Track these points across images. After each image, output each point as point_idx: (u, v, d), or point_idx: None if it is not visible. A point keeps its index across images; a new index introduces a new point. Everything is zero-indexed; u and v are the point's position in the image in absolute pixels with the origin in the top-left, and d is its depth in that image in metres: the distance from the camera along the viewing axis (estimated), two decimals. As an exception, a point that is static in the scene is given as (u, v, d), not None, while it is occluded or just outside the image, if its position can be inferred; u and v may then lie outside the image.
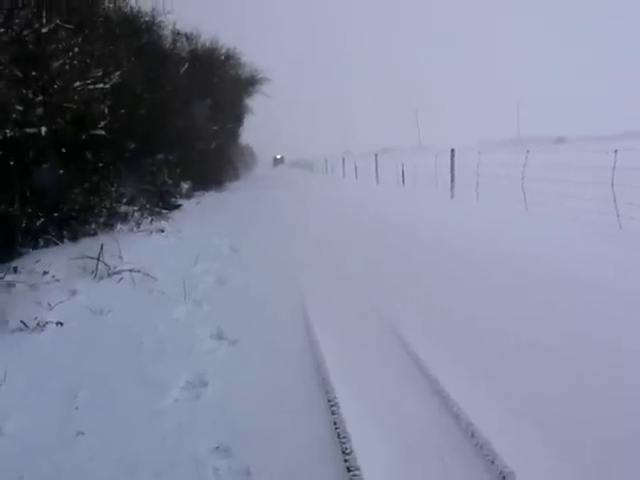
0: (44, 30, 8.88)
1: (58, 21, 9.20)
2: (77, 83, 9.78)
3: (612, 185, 9.61)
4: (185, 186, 21.31)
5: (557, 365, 4.33)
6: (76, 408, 4.14)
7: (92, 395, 4.36)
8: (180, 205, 18.70)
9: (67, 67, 9.62)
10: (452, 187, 16.67)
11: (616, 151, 9.85)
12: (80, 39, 10.26)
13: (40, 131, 8.60)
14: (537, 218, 11.05)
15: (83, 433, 3.75)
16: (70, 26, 9.64)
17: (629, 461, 3.12)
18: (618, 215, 9.19)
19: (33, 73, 8.76)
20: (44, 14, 8.96)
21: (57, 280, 7.30)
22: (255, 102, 41.35)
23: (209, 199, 23.73)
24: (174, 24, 23.15)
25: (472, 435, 3.40)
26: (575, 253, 7.97)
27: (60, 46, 9.56)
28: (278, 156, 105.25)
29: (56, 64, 9.31)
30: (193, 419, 3.92)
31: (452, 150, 16.76)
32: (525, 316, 5.49)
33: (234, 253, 10.30)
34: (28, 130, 8.46)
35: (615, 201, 9.35)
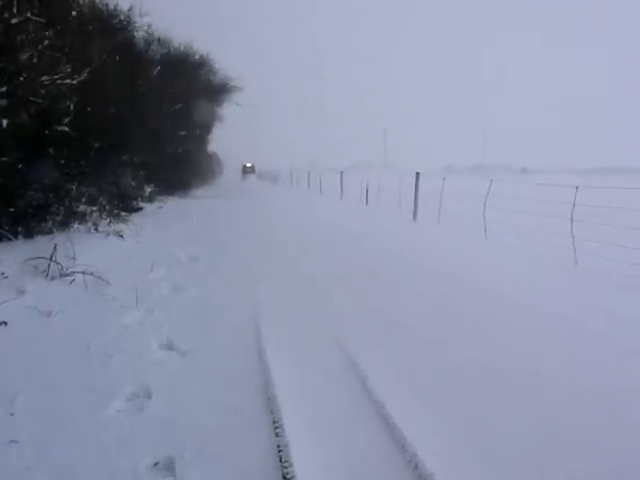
0: (14, 21, 8.69)
1: (29, 14, 9.01)
2: (45, 77, 9.59)
3: (571, 220, 9.77)
4: (148, 189, 21.10)
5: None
6: (12, 414, 3.99)
7: (31, 401, 4.21)
8: (141, 208, 18.46)
9: (35, 60, 9.43)
10: (415, 210, 16.75)
11: (577, 188, 10.04)
12: (51, 33, 10.08)
13: (1, 123, 8.40)
14: (496, 247, 11.17)
15: (17, 441, 3.61)
16: (41, 20, 9.45)
17: None
18: (575, 251, 9.33)
19: (-1, 64, 8.57)
20: (15, 4, 8.77)
21: (6, 277, 7.10)
22: (225, 111, 41.20)
23: (172, 204, 23.45)
24: (149, 26, 23.00)
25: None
26: (528, 286, 8.04)
27: (30, 37, 9.37)
28: (248, 164, 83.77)
29: (24, 56, 9.12)
30: (134, 432, 3.80)
31: (417, 174, 16.84)
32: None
33: (193, 261, 10.15)
34: (-12, 121, 8.27)
35: (573, 237, 9.51)
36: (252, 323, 6.26)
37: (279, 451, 3.52)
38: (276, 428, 3.80)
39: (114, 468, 3.38)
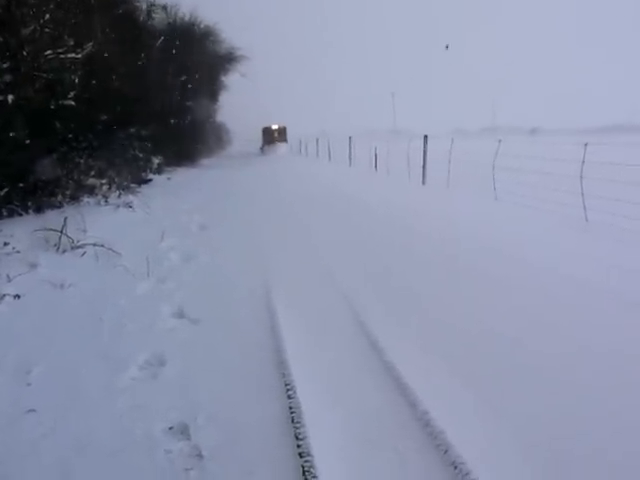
0: (14, -5, 8.65)
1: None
2: (48, 51, 9.56)
3: (580, 178, 9.69)
4: (156, 161, 21.11)
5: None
6: (29, 384, 4.08)
7: (47, 371, 4.30)
8: (150, 180, 18.52)
9: (38, 34, 9.40)
10: (424, 174, 16.64)
11: (586, 144, 9.92)
12: (52, 6, 10.02)
13: (7, 99, 8.41)
14: (506, 208, 11.10)
15: (34, 410, 3.70)
16: (42, -8, 9.41)
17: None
18: (585, 208, 9.29)
19: (1, 39, 8.55)
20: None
21: (18, 252, 7.18)
22: (232, 80, 40.98)
23: (180, 175, 23.47)
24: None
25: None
26: (536, 243, 8.00)
27: (31, 12, 9.33)
28: (274, 126, 51.61)
29: (26, 30, 9.08)
30: (149, 399, 3.88)
31: (425, 137, 16.66)
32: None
33: (202, 231, 10.21)
34: (-6, 97, 8.28)
35: (582, 194, 9.44)
36: (262, 291, 6.30)
37: (291, 412, 3.58)
38: (288, 390, 3.86)
39: (129, 433, 3.45)
